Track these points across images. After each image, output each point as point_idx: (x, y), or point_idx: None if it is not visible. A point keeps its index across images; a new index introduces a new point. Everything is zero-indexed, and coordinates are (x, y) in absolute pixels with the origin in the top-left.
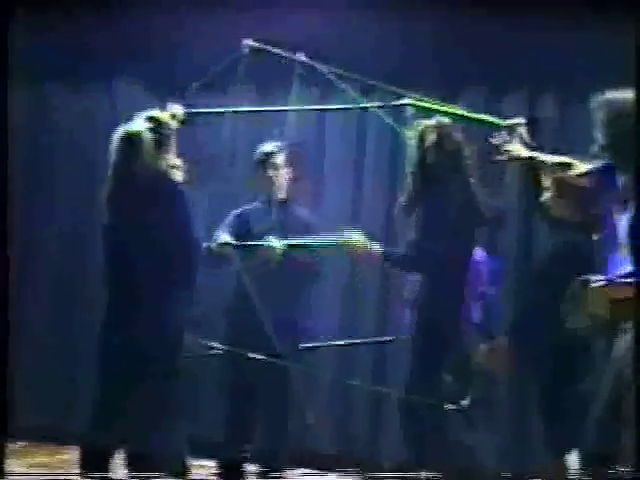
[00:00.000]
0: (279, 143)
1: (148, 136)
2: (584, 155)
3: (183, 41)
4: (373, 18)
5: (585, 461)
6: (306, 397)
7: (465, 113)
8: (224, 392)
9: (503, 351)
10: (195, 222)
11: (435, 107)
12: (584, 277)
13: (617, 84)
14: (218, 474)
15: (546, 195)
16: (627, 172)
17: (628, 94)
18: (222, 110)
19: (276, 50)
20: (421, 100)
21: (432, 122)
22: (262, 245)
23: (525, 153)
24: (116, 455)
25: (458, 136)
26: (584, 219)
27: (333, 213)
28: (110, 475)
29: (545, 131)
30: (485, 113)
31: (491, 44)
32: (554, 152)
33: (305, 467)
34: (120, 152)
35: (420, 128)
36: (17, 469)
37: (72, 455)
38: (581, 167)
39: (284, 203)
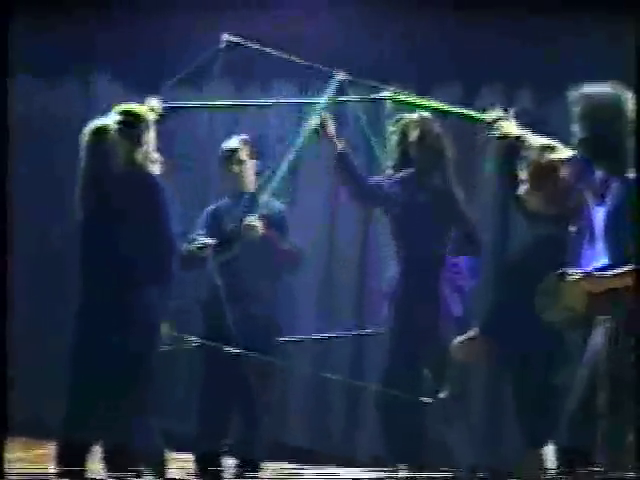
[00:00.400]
0: (243, 137)
1: (116, 129)
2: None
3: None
4: (350, 15)
5: (560, 454)
6: (283, 391)
7: (445, 107)
8: (201, 386)
9: (478, 344)
10: (172, 216)
11: (415, 101)
12: (560, 270)
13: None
14: (196, 468)
15: (522, 188)
16: (604, 165)
17: (606, 88)
18: (200, 104)
19: (254, 45)
20: (399, 94)
21: (415, 117)
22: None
23: (516, 131)
24: (93, 450)
25: (439, 131)
26: (560, 212)
27: (310, 206)
28: (88, 475)
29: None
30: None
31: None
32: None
33: (282, 461)
34: (89, 146)
35: (402, 123)
36: None
37: (48, 450)
38: (564, 152)
39: (253, 196)
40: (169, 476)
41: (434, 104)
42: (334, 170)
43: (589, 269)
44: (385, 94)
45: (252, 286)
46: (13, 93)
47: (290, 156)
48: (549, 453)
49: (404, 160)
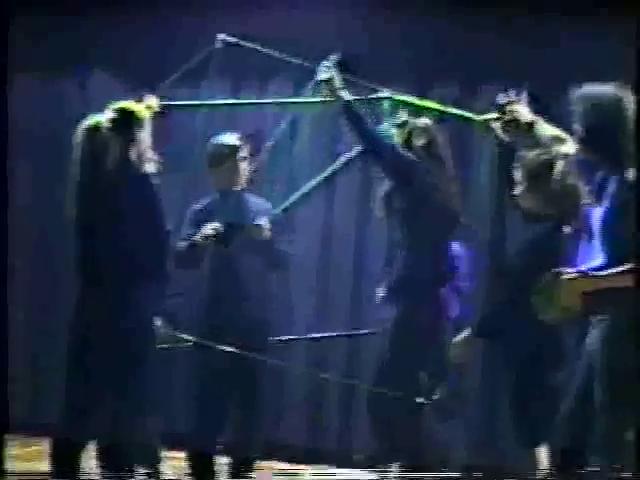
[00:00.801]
0: (240, 134)
1: (110, 127)
2: None
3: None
4: (346, 15)
5: (555, 454)
6: (278, 390)
7: (441, 107)
8: (196, 384)
9: (474, 344)
10: (166, 214)
11: (412, 101)
12: (556, 270)
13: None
14: (189, 466)
15: (518, 189)
16: (602, 165)
17: (606, 88)
18: (197, 103)
19: (250, 45)
20: (397, 94)
21: (420, 124)
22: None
23: (529, 117)
24: (87, 447)
25: (441, 138)
26: (555, 212)
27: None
28: (82, 473)
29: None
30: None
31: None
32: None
33: (277, 459)
34: (82, 143)
35: (408, 128)
36: None
37: (43, 447)
38: (572, 147)
39: (240, 193)
40: (163, 474)
41: (431, 105)
42: (344, 123)
43: (585, 268)
44: (383, 94)
45: (247, 284)
46: (10, 93)
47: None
48: (544, 453)
49: None
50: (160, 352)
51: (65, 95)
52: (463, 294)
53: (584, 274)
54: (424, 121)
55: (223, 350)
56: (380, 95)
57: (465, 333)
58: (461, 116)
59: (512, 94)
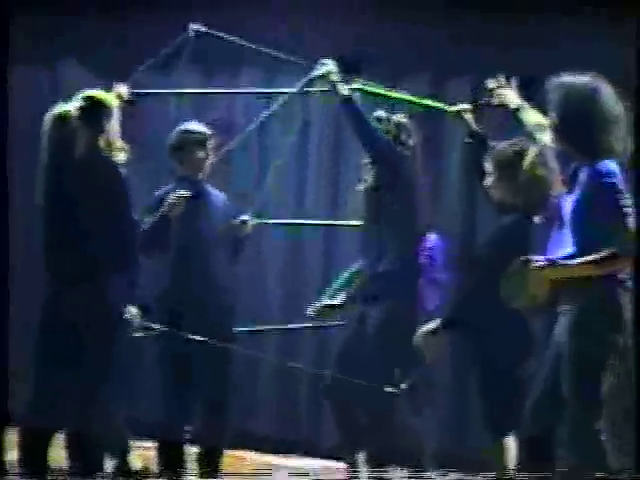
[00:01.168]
0: (208, 123)
1: (78, 116)
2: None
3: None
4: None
5: (522, 444)
6: (247, 379)
7: (411, 98)
8: (164, 373)
9: (441, 335)
10: (134, 203)
11: (383, 92)
12: (525, 257)
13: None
14: (158, 455)
15: (488, 179)
16: (575, 154)
17: (583, 78)
18: (168, 91)
19: (221, 34)
20: (367, 85)
21: (402, 119)
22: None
23: (516, 101)
24: (56, 437)
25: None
26: (525, 203)
27: (277, 199)
28: (50, 463)
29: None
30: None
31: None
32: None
33: (246, 449)
34: (50, 132)
35: (393, 124)
36: None
37: (10, 437)
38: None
39: (201, 183)
40: (132, 464)
41: (402, 95)
42: (343, 116)
43: (554, 257)
44: (355, 85)
45: (215, 272)
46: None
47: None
48: (512, 444)
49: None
50: (130, 341)
51: (34, 84)
52: (441, 286)
53: (553, 262)
54: (402, 117)
55: (189, 338)
56: (352, 87)
57: (433, 324)
58: (432, 106)
59: (502, 79)
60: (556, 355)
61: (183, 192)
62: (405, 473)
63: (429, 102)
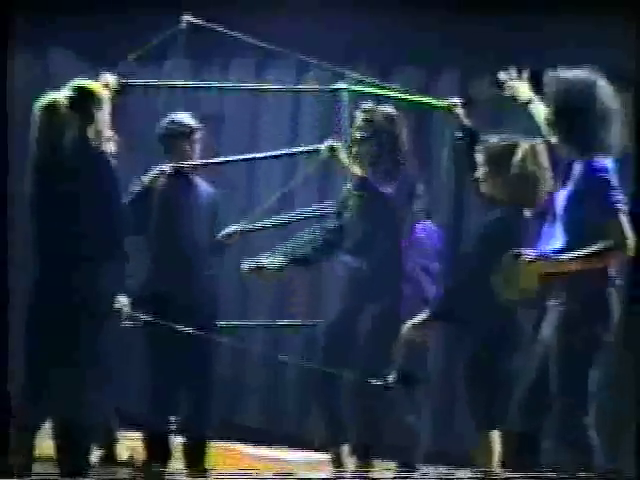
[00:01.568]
0: (197, 116)
1: (67, 105)
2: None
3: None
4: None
5: (508, 438)
6: (235, 370)
7: (400, 94)
8: (150, 363)
9: (430, 327)
10: (123, 193)
11: (370, 90)
12: (515, 250)
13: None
14: (144, 446)
15: (478, 172)
16: (569, 148)
17: (580, 72)
18: (157, 82)
19: (213, 26)
20: (358, 81)
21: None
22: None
23: (528, 94)
24: (42, 427)
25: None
26: (516, 196)
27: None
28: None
29: (480, 112)
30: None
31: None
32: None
33: (231, 440)
34: (39, 122)
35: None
36: None
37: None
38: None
39: (187, 175)
40: (118, 455)
41: (392, 92)
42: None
43: (544, 250)
44: (338, 85)
45: (199, 263)
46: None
47: None
48: (498, 437)
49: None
50: (118, 331)
51: (23, 71)
52: (434, 275)
53: (543, 256)
54: (390, 108)
55: (173, 329)
56: (337, 86)
57: (422, 315)
58: (422, 102)
59: (512, 72)
60: (544, 350)
61: (164, 167)
62: (392, 465)
63: (418, 97)
